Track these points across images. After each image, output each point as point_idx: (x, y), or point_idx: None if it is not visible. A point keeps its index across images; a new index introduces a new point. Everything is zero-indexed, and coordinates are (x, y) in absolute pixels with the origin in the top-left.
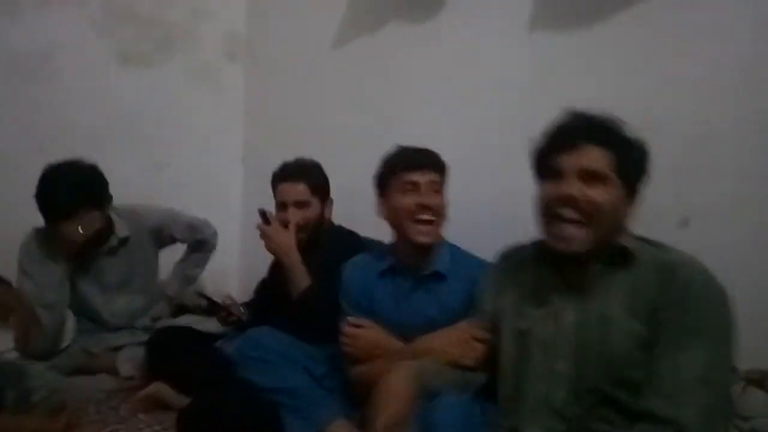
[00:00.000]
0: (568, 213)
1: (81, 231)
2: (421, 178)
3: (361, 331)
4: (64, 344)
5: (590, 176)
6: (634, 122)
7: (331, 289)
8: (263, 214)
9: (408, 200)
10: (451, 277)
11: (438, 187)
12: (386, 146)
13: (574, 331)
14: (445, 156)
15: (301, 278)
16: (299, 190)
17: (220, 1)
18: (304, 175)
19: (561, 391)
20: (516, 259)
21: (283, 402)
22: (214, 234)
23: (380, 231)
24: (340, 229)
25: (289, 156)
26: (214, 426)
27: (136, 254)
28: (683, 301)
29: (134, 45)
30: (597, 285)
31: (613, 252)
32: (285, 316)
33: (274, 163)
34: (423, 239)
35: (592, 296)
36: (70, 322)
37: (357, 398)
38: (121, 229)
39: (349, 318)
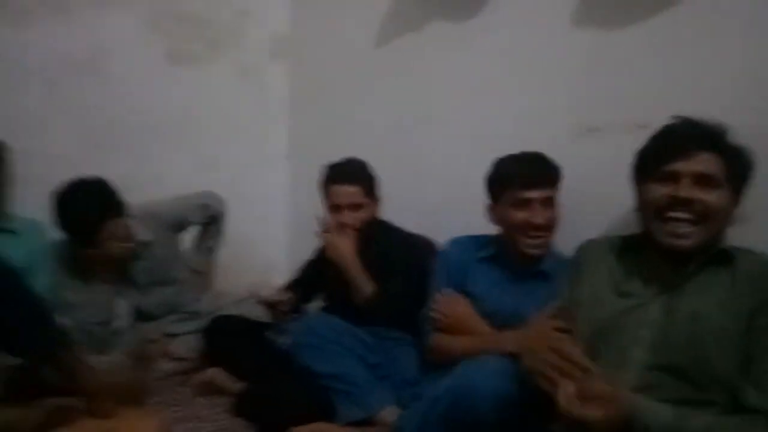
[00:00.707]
0: (683, 214)
1: (118, 242)
2: (536, 195)
3: (455, 304)
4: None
5: (705, 181)
6: (684, 113)
7: (395, 290)
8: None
9: (521, 216)
10: (553, 277)
11: (552, 202)
12: (429, 144)
13: (659, 324)
14: (489, 155)
15: (365, 284)
16: (353, 192)
17: (266, 1)
18: (358, 178)
19: (631, 374)
20: (599, 250)
21: (335, 387)
22: (222, 202)
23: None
24: (389, 226)
25: (333, 152)
26: (269, 409)
27: (160, 253)
28: None
29: (184, 45)
30: (691, 284)
31: (713, 253)
32: (333, 299)
33: (318, 160)
34: (534, 252)
35: (684, 294)
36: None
37: (428, 364)
38: (143, 233)
39: (445, 289)
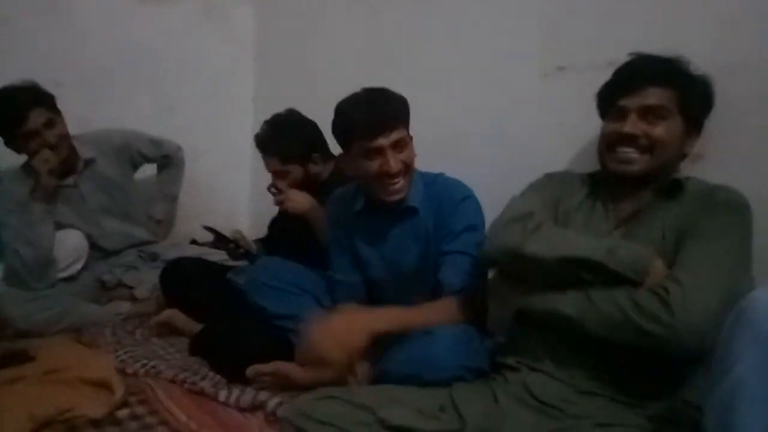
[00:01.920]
0: (629, 149)
1: (48, 139)
2: (385, 141)
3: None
4: (71, 272)
5: (651, 113)
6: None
7: None
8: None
9: (374, 166)
10: (423, 208)
11: (404, 142)
12: (398, 88)
13: None
14: (460, 98)
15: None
16: (272, 162)
17: None
18: (271, 149)
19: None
20: (565, 179)
21: (292, 328)
22: (178, 149)
23: None
24: (344, 178)
25: (300, 95)
26: (226, 348)
27: (108, 175)
28: (709, 209)
29: None
30: (645, 214)
31: (666, 184)
32: (298, 252)
33: (285, 103)
34: (395, 198)
35: (639, 225)
36: (83, 246)
37: None
38: (85, 151)
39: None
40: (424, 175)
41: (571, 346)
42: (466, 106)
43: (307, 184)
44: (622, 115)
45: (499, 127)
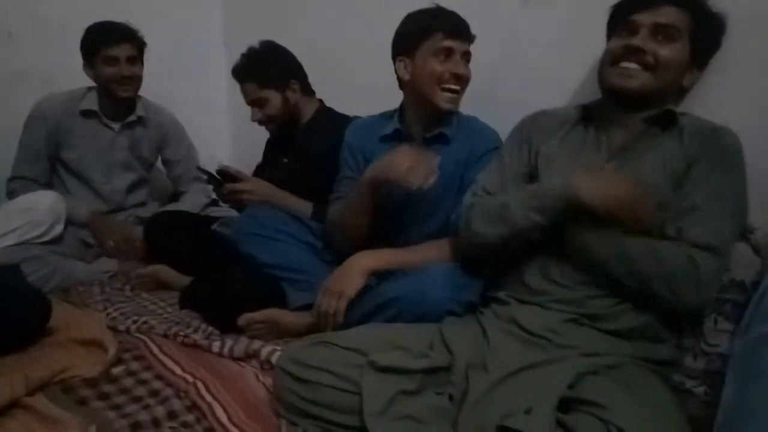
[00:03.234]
0: (633, 64)
1: (118, 68)
2: (458, 46)
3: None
4: (54, 235)
5: (662, 32)
6: None
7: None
8: (223, 174)
9: (441, 67)
10: (455, 140)
11: (469, 58)
12: (370, 27)
13: None
14: None
15: (302, 206)
16: (248, 90)
17: None
18: (247, 75)
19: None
20: (548, 124)
21: (283, 276)
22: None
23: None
24: (331, 113)
25: (273, 36)
26: (216, 300)
27: (143, 141)
28: (717, 152)
29: None
30: (639, 145)
31: (659, 113)
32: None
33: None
34: (448, 106)
35: (632, 158)
36: (59, 206)
37: None
38: (142, 109)
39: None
40: (459, 114)
41: (570, 278)
42: None
43: (286, 117)
44: (632, 29)
45: (481, 56)
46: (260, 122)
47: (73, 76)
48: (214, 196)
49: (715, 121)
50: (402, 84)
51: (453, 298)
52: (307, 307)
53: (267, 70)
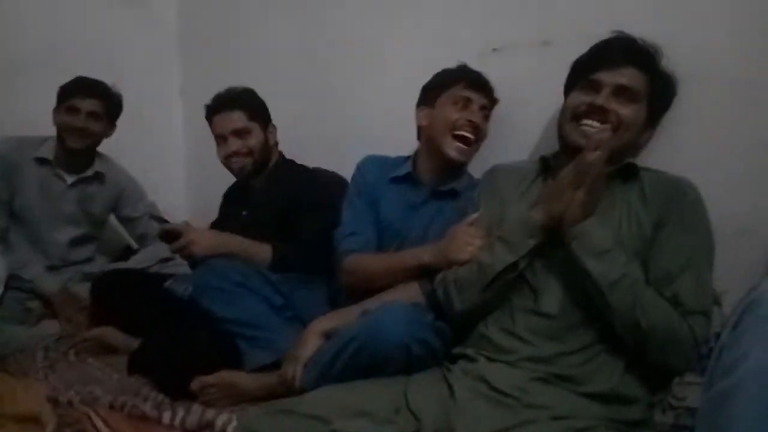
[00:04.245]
0: (594, 123)
1: (78, 118)
2: (476, 97)
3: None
4: None
5: (624, 94)
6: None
7: (306, 236)
8: (168, 233)
9: (456, 114)
10: (462, 194)
11: (487, 113)
12: (334, 73)
13: None
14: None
15: (260, 252)
16: (235, 118)
17: None
18: (239, 103)
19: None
20: (510, 178)
21: (240, 332)
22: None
23: (321, 163)
24: (293, 164)
25: (231, 84)
26: (167, 363)
27: (95, 200)
28: (686, 211)
29: None
30: (601, 198)
31: (621, 167)
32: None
33: (215, 93)
34: (456, 155)
35: (597, 209)
36: (2, 270)
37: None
38: (100, 165)
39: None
40: (470, 175)
41: (538, 334)
42: (403, 86)
43: (260, 158)
44: (595, 88)
45: None
46: (236, 154)
47: (15, 121)
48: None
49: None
50: (419, 132)
51: (410, 334)
52: (265, 368)
53: (256, 103)
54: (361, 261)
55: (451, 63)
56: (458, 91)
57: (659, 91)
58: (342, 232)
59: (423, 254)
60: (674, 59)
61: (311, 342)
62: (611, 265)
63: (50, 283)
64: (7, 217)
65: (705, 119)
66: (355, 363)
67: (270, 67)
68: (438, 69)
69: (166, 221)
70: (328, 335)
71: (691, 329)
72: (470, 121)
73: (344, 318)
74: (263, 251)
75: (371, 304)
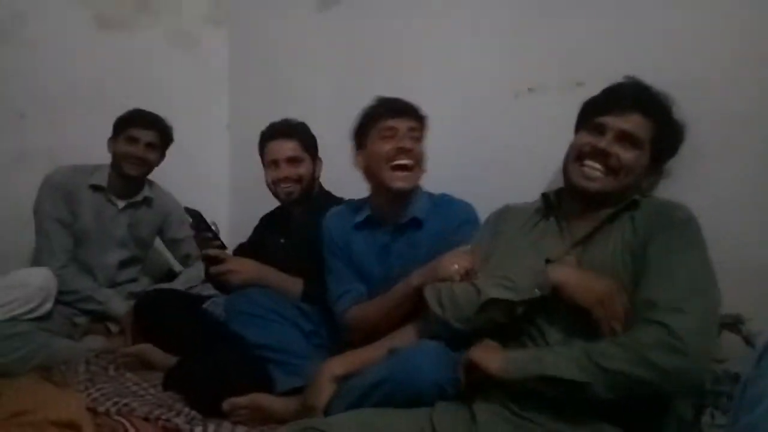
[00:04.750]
0: (597, 164)
1: (134, 147)
2: (400, 124)
3: None
4: (41, 313)
5: (627, 139)
6: (621, 71)
7: None
8: (210, 257)
9: (386, 146)
10: (428, 222)
11: (417, 134)
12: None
13: None
14: (431, 114)
15: (292, 286)
16: (290, 146)
17: None
18: (295, 132)
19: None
20: (515, 218)
21: (271, 357)
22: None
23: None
24: (330, 196)
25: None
26: (201, 383)
27: (144, 222)
28: (668, 227)
29: (112, 9)
30: (600, 234)
31: (625, 204)
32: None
33: (261, 129)
34: (400, 184)
35: (595, 245)
36: (51, 284)
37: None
38: (148, 191)
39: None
40: (432, 195)
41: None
42: (439, 126)
43: (306, 188)
44: (600, 131)
45: (473, 147)
46: (287, 179)
47: (75, 155)
48: None
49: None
50: (364, 176)
51: (442, 374)
52: (294, 391)
53: (310, 136)
54: (359, 314)
55: (486, 102)
56: (382, 124)
57: (665, 139)
58: (332, 297)
59: (412, 280)
60: (701, 101)
61: (327, 389)
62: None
63: (120, 306)
64: (72, 239)
65: (734, 158)
66: (387, 402)
67: (310, 105)
68: (474, 106)
69: (197, 213)
70: (342, 379)
71: (661, 325)
72: (401, 147)
73: (357, 361)
74: (295, 285)
75: (380, 350)
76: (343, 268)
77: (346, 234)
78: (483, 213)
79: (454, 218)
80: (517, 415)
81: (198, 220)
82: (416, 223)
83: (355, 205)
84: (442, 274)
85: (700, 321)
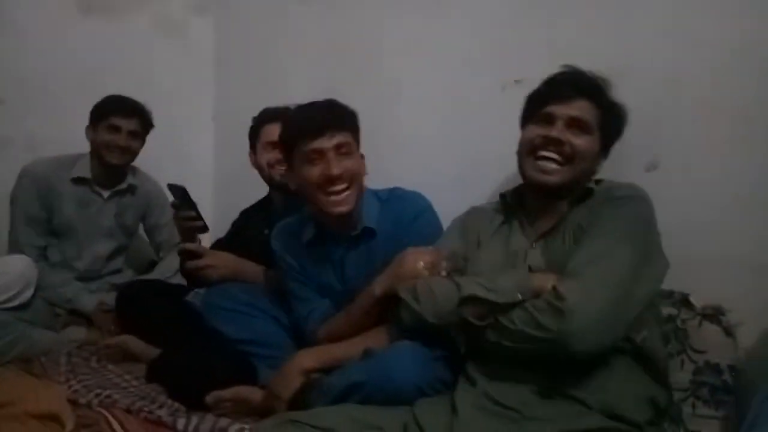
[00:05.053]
0: (552, 154)
1: (115, 135)
2: (326, 143)
3: None
4: (22, 300)
5: (577, 125)
6: (609, 64)
7: None
8: (188, 252)
9: (315, 171)
10: (380, 226)
11: (348, 148)
12: (361, 102)
13: (542, 269)
14: (420, 109)
15: (271, 278)
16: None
17: None
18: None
19: None
20: (484, 212)
21: (253, 352)
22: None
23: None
24: None
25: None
26: (184, 376)
27: (128, 211)
28: (605, 209)
29: None
30: (562, 225)
31: (579, 193)
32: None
33: (246, 120)
34: (339, 209)
35: (557, 236)
36: (31, 272)
37: None
38: (132, 179)
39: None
40: (379, 193)
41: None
42: (426, 116)
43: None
44: (548, 121)
45: (459, 138)
46: (278, 162)
47: (56, 142)
48: None
49: None
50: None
51: (420, 375)
52: None
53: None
54: (328, 330)
55: (474, 93)
56: (305, 146)
57: (611, 121)
58: (299, 319)
59: (374, 289)
60: (688, 89)
61: (295, 381)
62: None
63: (87, 302)
64: (45, 236)
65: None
66: (367, 402)
67: (297, 95)
68: (460, 98)
69: (182, 189)
70: (311, 373)
71: (554, 290)
72: (328, 176)
73: (328, 357)
74: (275, 279)
75: (353, 348)
76: (303, 288)
77: (297, 254)
78: (465, 203)
79: (406, 213)
80: (498, 404)
81: (182, 196)
82: (369, 233)
83: (299, 222)
84: (408, 273)
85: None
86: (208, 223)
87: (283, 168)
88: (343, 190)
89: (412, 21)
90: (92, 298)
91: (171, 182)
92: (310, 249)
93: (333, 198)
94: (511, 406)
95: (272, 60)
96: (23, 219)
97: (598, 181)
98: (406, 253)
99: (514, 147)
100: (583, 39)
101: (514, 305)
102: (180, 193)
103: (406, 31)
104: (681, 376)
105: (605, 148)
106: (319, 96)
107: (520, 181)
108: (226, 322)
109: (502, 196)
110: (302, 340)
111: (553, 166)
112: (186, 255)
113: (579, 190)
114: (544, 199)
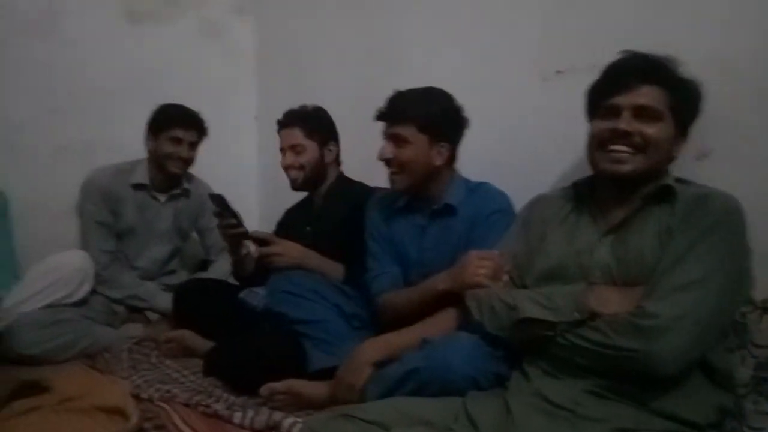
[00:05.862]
0: (622, 147)
1: (176, 146)
2: (387, 130)
3: None
4: (81, 296)
5: (644, 113)
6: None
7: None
8: (259, 239)
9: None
10: (461, 208)
11: (403, 140)
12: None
13: (609, 264)
14: (459, 98)
15: (333, 271)
16: (292, 134)
17: None
18: (299, 120)
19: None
20: (548, 207)
21: (308, 333)
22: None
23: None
24: (349, 182)
25: None
26: (239, 366)
27: (184, 213)
28: (697, 218)
29: (141, 2)
30: (636, 220)
31: (656, 189)
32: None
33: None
34: (392, 186)
35: (629, 232)
36: (88, 267)
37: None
38: (188, 183)
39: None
40: (469, 183)
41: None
42: (466, 109)
43: (314, 174)
44: (614, 113)
45: (499, 132)
46: (290, 167)
47: (111, 149)
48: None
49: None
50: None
51: (477, 367)
52: (328, 371)
53: (316, 122)
54: (389, 300)
55: (510, 83)
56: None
57: (683, 102)
58: (369, 277)
59: (438, 283)
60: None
61: (365, 371)
62: None
63: (166, 301)
64: (114, 240)
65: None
66: (420, 391)
67: (336, 94)
68: (500, 91)
69: (222, 199)
70: (378, 364)
71: (640, 308)
72: (379, 156)
73: (392, 347)
74: (336, 270)
75: (418, 335)
76: (381, 250)
77: (388, 218)
78: (512, 199)
79: (486, 206)
80: (551, 403)
81: (221, 204)
82: (449, 210)
83: (392, 194)
84: (469, 281)
85: (682, 313)
86: (254, 223)
87: (292, 173)
88: (395, 172)
89: (449, 19)
90: (167, 297)
91: (210, 192)
92: (400, 215)
93: (389, 175)
94: (564, 405)
95: (311, 59)
96: (93, 226)
97: (678, 179)
98: (469, 259)
99: (557, 140)
100: (625, 25)
101: (575, 323)
102: (219, 201)
103: (444, 30)
104: (742, 371)
105: (683, 129)
106: (361, 94)
107: (564, 175)
108: (288, 303)
109: (575, 185)
110: (362, 329)
111: (626, 154)
112: (256, 242)
113: (656, 183)
114: (617, 189)
